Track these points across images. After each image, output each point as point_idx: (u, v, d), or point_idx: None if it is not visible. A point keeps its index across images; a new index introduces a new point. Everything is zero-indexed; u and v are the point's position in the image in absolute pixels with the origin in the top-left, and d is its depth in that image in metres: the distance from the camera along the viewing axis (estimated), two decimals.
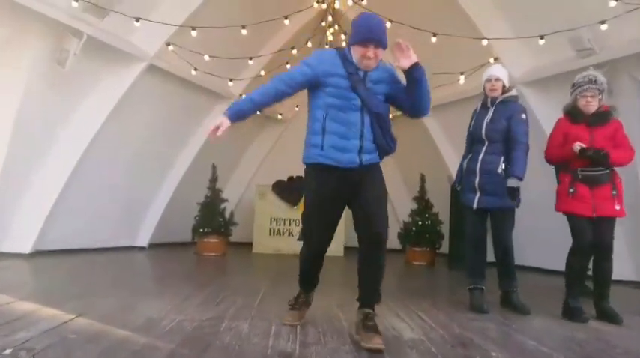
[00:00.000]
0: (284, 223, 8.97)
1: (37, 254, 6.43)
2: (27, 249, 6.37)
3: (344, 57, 2.95)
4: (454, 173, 4.75)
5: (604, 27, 5.48)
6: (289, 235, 8.93)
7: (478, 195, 4.10)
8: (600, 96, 3.87)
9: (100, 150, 6.86)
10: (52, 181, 6.54)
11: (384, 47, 2.91)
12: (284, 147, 10.16)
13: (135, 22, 6.24)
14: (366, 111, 2.94)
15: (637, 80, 5.66)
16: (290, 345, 2.72)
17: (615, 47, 5.66)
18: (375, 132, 2.97)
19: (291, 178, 8.99)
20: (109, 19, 6.12)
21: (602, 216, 3.76)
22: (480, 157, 4.12)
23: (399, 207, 9.46)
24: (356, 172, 2.94)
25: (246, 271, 6.67)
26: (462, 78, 7.14)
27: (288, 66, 7.86)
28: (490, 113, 4.15)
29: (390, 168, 10.26)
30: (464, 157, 4.36)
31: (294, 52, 8.01)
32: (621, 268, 5.10)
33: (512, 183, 3.95)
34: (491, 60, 6.56)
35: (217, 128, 2.82)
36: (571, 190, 3.84)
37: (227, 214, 8.28)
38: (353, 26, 2.96)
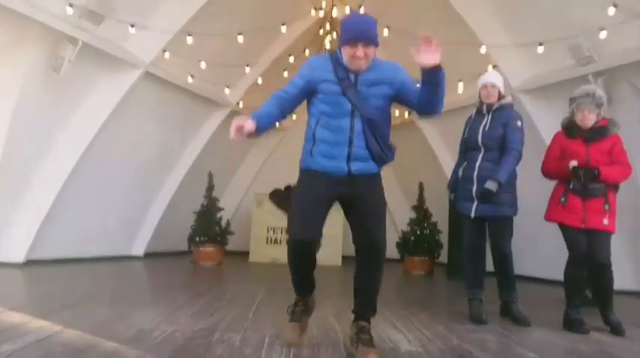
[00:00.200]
0: (281, 232, 8.88)
1: (31, 263, 6.35)
2: (20, 258, 6.28)
3: (336, 61, 2.83)
4: None
5: (603, 35, 5.46)
6: (286, 244, 8.82)
7: (475, 203, 4.03)
8: (598, 111, 3.81)
9: (95, 158, 6.78)
10: (46, 189, 6.46)
11: (376, 45, 2.75)
12: (282, 156, 10.11)
13: (130, 28, 6.20)
14: (358, 117, 2.78)
15: (636, 88, 5.62)
16: None
17: (615, 55, 5.63)
18: (367, 139, 2.79)
19: (288, 187, 8.88)
20: (105, 26, 6.08)
21: (592, 229, 3.71)
22: (477, 165, 4.04)
23: (398, 216, 9.40)
24: (344, 181, 2.79)
25: (241, 280, 6.59)
26: (460, 86, 7.11)
27: (285, 74, 7.85)
28: (486, 120, 4.09)
29: (388, 176, 10.20)
30: (458, 165, 4.28)
31: (292, 59, 7.99)
32: (623, 278, 5.04)
33: (490, 185, 3.86)
34: (490, 68, 6.53)
35: (242, 127, 2.63)
36: (562, 199, 3.80)
37: (224, 223, 8.22)
38: (341, 27, 2.84)
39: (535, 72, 6.59)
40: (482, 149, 4.05)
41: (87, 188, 6.91)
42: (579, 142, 3.81)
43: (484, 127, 4.06)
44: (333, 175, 2.80)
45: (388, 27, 6.77)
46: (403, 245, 8.35)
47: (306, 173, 2.89)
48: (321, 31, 8.08)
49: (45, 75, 5.86)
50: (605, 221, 3.70)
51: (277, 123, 3.03)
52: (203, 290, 5.18)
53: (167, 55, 6.95)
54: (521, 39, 6.27)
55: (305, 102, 2.94)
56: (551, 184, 4.03)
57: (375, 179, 2.88)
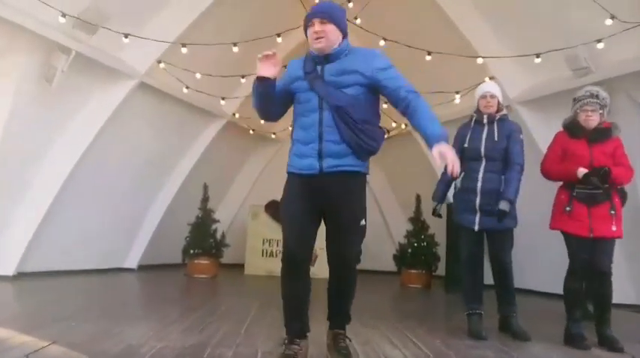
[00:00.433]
0: (277, 244, 8.75)
1: (22, 276, 6.23)
2: (10, 271, 6.16)
3: (307, 57, 2.80)
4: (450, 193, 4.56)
5: (600, 45, 5.43)
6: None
7: (479, 215, 3.94)
8: (602, 112, 3.75)
9: (87, 170, 6.69)
10: (38, 201, 6.36)
11: (336, 22, 2.72)
12: (278, 167, 9.86)
13: (123, 38, 6.15)
14: (326, 109, 2.66)
15: (635, 101, 5.58)
16: None
17: (612, 66, 5.60)
18: (340, 131, 2.63)
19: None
20: (99, 36, 6.03)
21: (600, 238, 3.62)
22: (480, 176, 3.96)
23: (395, 228, 9.31)
24: (318, 179, 2.67)
25: (236, 294, 6.48)
26: (457, 97, 7.07)
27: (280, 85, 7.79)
28: (488, 131, 4.01)
29: (384, 188, 10.19)
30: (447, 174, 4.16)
31: None
32: (622, 291, 4.96)
33: (503, 205, 3.81)
34: (487, 79, 6.49)
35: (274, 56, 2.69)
36: (568, 208, 3.70)
37: (219, 235, 8.12)
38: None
39: (532, 83, 6.55)
40: (484, 160, 3.97)
41: (80, 200, 6.81)
42: (583, 143, 3.73)
43: (487, 138, 3.99)
44: (305, 174, 2.72)
45: (384, 38, 6.74)
46: (400, 257, 8.24)
47: (287, 177, 2.85)
48: None
49: (38, 85, 5.79)
50: (614, 227, 3.62)
51: (275, 114, 2.98)
52: (196, 305, 5.08)
53: (162, 65, 6.89)
54: (517, 50, 6.23)
55: None
56: (551, 197, 3.95)
57: (351, 180, 2.71)
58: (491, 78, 6.47)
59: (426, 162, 8.56)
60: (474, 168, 4.00)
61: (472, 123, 4.12)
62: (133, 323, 3.85)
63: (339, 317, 2.84)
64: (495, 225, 3.89)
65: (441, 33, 6.93)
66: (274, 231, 8.80)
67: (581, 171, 3.64)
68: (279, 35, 6.91)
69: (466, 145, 4.05)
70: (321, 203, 2.71)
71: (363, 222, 2.70)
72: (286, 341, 2.77)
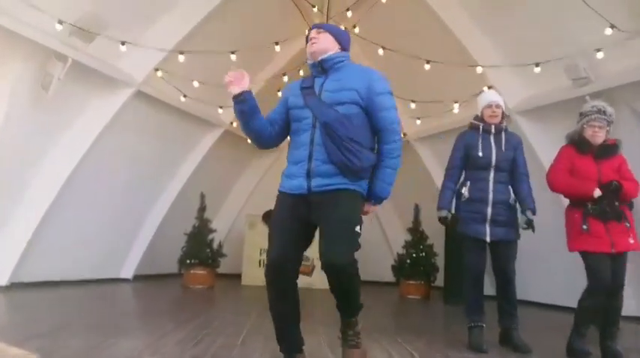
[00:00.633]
0: None
1: (15, 286, 6.13)
2: (3, 281, 6.06)
3: (304, 79, 2.83)
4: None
5: (600, 55, 5.40)
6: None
7: (490, 226, 3.87)
8: (608, 128, 3.72)
9: (83, 179, 6.62)
10: (33, 209, 6.27)
11: (332, 32, 2.80)
12: (275, 177, 9.78)
13: (121, 46, 6.12)
14: (318, 128, 2.61)
15: (635, 111, 5.54)
16: None
17: (612, 76, 5.56)
18: (328, 151, 2.57)
19: None
20: (96, 44, 5.99)
21: (619, 252, 3.57)
22: (490, 187, 3.90)
23: (393, 239, 9.25)
24: (305, 199, 2.63)
25: (232, 305, 6.39)
26: (456, 106, 7.04)
27: (279, 94, 7.76)
28: (496, 140, 3.97)
29: None
30: (456, 183, 4.08)
31: (286, 79, 7.91)
32: (625, 303, 4.89)
33: (531, 215, 3.87)
34: (486, 88, 6.45)
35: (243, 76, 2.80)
36: (584, 227, 3.60)
37: (215, 245, 8.04)
38: None
39: (531, 93, 6.52)
40: (493, 170, 3.92)
41: (75, 209, 6.73)
42: (589, 159, 3.70)
43: (499, 148, 3.95)
44: (295, 195, 2.69)
45: (383, 47, 6.73)
46: (398, 268, 8.17)
47: (278, 194, 2.84)
48: None
49: (34, 93, 5.73)
50: (631, 240, 3.58)
51: (271, 138, 2.93)
52: (191, 316, 4.98)
53: (160, 73, 6.86)
54: (517, 59, 6.22)
55: None
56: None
57: (344, 195, 2.63)
58: (490, 87, 6.44)
59: (425, 172, 8.54)
60: (482, 177, 3.93)
61: (480, 132, 4.05)
62: (126, 335, 3.77)
63: (348, 313, 2.79)
64: (505, 235, 3.86)
65: (440, 42, 6.91)
66: None
67: (597, 192, 3.58)
68: (277, 44, 6.89)
69: (480, 154, 3.95)
70: (310, 216, 2.68)
71: (357, 229, 2.63)
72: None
